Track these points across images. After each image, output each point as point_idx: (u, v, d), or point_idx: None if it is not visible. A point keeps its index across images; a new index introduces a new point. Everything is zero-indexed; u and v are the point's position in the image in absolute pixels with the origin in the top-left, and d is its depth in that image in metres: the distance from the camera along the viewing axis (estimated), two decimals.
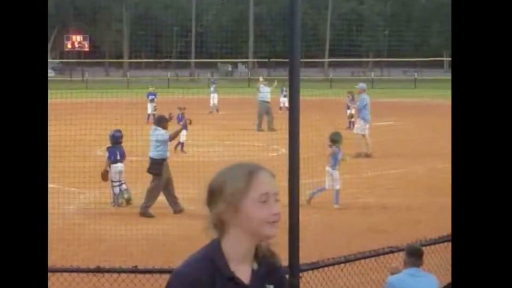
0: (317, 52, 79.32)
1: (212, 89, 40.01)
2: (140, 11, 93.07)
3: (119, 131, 15.40)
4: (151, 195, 14.28)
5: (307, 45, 62.41)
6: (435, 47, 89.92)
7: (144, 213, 14.08)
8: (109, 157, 14.99)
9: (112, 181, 14.90)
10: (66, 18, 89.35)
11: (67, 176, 15.50)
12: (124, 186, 14.99)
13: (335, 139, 15.37)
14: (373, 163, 19.97)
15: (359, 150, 21.94)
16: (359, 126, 23.02)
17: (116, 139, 15.16)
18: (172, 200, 14.54)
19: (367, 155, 21.76)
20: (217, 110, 38.33)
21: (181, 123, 21.86)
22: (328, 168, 15.19)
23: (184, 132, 21.15)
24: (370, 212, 14.62)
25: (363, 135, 22.72)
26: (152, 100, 33.32)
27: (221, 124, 23.70)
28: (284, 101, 35.90)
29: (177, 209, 14.38)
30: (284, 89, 37.35)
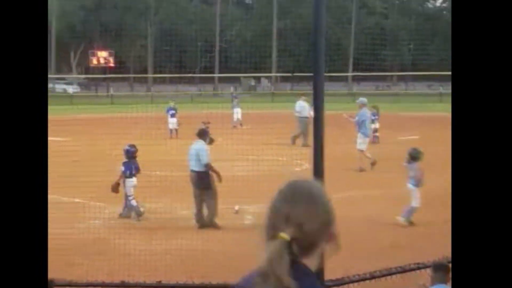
0: (341, 66, 79.18)
1: (235, 103, 40.05)
2: (164, 26, 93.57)
3: (134, 146, 15.55)
4: (213, 206, 14.46)
5: (331, 59, 62.34)
6: None
7: (213, 224, 14.32)
8: (124, 172, 15.12)
9: (127, 195, 15.03)
10: (92, 34, 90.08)
11: (92, 191, 15.58)
12: (134, 202, 15.18)
13: (415, 156, 15.13)
14: (397, 177, 19.80)
15: (361, 165, 21.86)
16: (361, 141, 22.88)
17: (130, 154, 15.33)
18: (199, 212, 14.64)
19: (362, 169, 21.67)
20: (241, 125, 38.34)
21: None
22: (409, 185, 14.97)
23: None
24: (395, 227, 14.51)
25: (362, 151, 22.62)
26: (173, 115, 33.37)
27: (245, 138, 23.61)
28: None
29: (201, 223, 14.44)
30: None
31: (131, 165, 15.24)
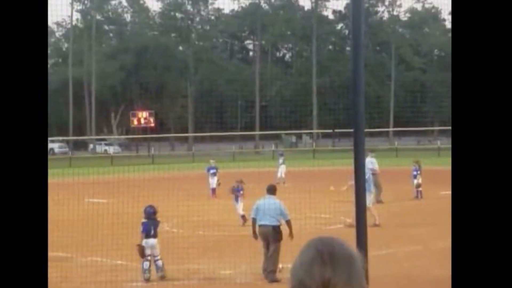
0: (382, 122, 79.15)
1: (280, 160, 40.11)
2: (204, 85, 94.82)
3: (152, 206, 15.50)
4: (277, 259, 14.73)
5: (371, 115, 62.35)
6: None
7: (275, 279, 14.52)
8: (142, 231, 15.11)
9: (154, 255, 14.93)
10: (132, 95, 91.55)
11: (135, 253, 15.60)
12: (159, 263, 14.91)
13: None
14: (440, 232, 19.51)
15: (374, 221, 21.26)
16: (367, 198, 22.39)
17: (148, 215, 15.29)
18: (275, 264, 14.90)
19: (376, 225, 21.06)
20: (284, 183, 38.27)
21: (238, 193, 22.31)
22: None
23: (238, 204, 21.57)
24: (440, 285, 14.23)
25: (368, 207, 22.01)
26: (214, 174, 33.24)
27: (287, 196, 23.57)
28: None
29: (273, 277, 14.63)
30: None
31: (150, 225, 15.17)
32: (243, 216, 22.25)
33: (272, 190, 15.78)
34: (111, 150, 79.97)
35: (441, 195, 29.82)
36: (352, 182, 6.19)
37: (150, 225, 15.17)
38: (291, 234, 14.78)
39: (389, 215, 17.94)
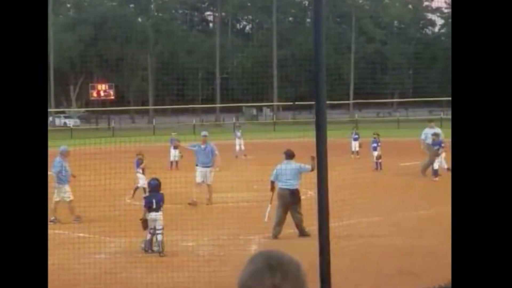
0: (342, 93, 79.40)
1: (238, 134, 40.11)
2: (164, 58, 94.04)
3: (156, 179, 15.34)
4: (301, 218, 15.89)
5: (331, 87, 62.56)
6: None
7: (304, 232, 15.69)
8: (145, 205, 14.97)
9: (156, 228, 14.75)
10: (91, 67, 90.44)
11: (97, 226, 15.57)
12: (160, 237, 14.74)
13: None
14: (401, 204, 19.83)
15: None
16: None
17: (152, 188, 15.14)
18: (281, 225, 16.00)
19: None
20: (245, 155, 38.36)
21: (138, 169, 22.25)
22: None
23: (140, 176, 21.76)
24: (400, 254, 14.48)
25: None
26: (175, 147, 33.21)
27: (248, 168, 23.72)
28: (355, 145, 35.89)
29: (304, 232, 15.75)
30: (354, 131, 37.27)
31: (152, 198, 14.99)
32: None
33: (290, 155, 16.61)
34: (70, 123, 79.22)
35: (401, 167, 30.23)
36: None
37: (152, 199, 14.98)
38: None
39: (350, 187, 18.06)
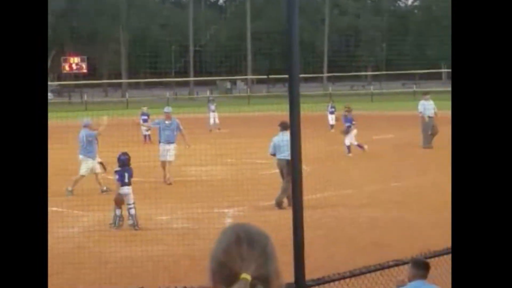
0: (316, 67, 79.46)
1: (212, 107, 40.05)
2: (137, 31, 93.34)
3: (126, 154, 15.35)
4: (286, 191, 15.89)
5: (305, 60, 62.58)
6: (433, 58, 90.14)
7: (279, 204, 16.26)
8: (118, 180, 14.96)
9: (128, 203, 14.79)
10: (63, 40, 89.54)
11: (69, 200, 15.50)
12: (132, 211, 14.79)
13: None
14: (374, 177, 19.98)
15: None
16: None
17: (123, 162, 15.14)
18: (284, 193, 16.25)
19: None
20: (219, 129, 38.36)
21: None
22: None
23: None
24: (373, 226, 14.61)
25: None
26: (145, 121, 33.16)
27: (222, 142, 23.69)
28: (332, 118, 35.90)
29: (280, 204, 16.18)
30: (330, 104, 37.28)
31: (123, 172, 15.04)
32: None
33: (285, 127, 16.58)
34: None
35: (374, 140, 30.38)
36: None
37: (125, 173, 15.03)
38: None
39: (322, 160, 18.23)
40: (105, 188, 18.74)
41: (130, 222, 14.74)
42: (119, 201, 14.76)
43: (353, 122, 26.56)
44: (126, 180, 14.94)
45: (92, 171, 18.99)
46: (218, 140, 27.50)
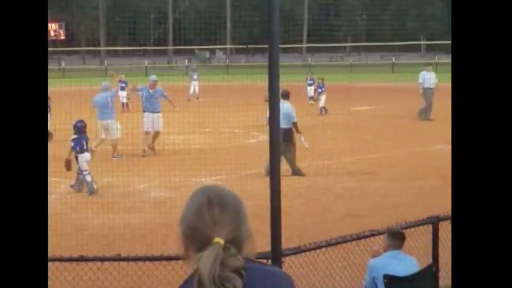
0: (295, 37, 79.15)
1: (194, 76, 39.99)
2: None
3: (82, 121, 15.45)
4: (293, 159, 16.64)
5: (285, 30, 62.35)
6: (412, 30, 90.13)
7: (297, 171, 16.57)
8: (74, 147, 15.05)
9: (81, 170, 14.97)
10: None
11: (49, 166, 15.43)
12: (89, 177, 15.04)
13: None
14: (351, 148, 20.05)
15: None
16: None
17: (79, 129, 15.23)
18: (292, 163, 16.66)
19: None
20: (197, 98, 38.30)
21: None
22: None
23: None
24: (349, 196, 14.72)
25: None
26: (123, 88, 32.98)
27: (201, 111, 23.67)
28: (311, 90, 35.90)
29: (297, 172, 16.59)
30: (309, 77, 37.21)
31: (81, 140, 15.16)
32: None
33: (284, 95, 16.82)
34: None
35: (353, 111, 30.50)
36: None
37: (82, 140, 15.15)
38: (297, 131, 17.07)
39: (302, 130, 18.18)
40: (117, 154, 19.24)
41: (90, 187, 14.95)
42: (69, 166, 15.06)
43: (323, 89, 31.07)
44: (85, 147, 15.12)
45: (112, 135, 19.27)
46: (196, 109, 27.48)
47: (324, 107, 30.92)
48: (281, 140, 16.36)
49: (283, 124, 16.66)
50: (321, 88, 32.00)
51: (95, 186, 14.96)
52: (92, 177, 15.02)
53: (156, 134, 20.47)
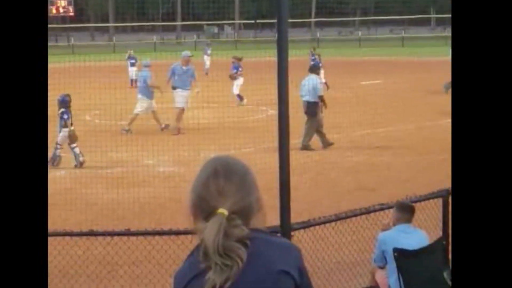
0: (304, 12, 78.73)
1: (208, 51, 40.21)
2: None
3: (68, 95, 15.49)
4: (310, 132, 16.76)
5: (293, 4, 62.00)
6: (422, 4, 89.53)
7: (306, 147, 16.50)
8: (68, 118, 15.17)
9: (57, 143, 15.15)
10: None
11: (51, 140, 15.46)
12: (77, 150, 15.26)
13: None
14: (360, 122, 20.00)
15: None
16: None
17: (66, 103, 15.29)
18: (322, 137, 16.93)
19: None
20: (206, 74, 38.22)
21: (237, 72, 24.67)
22: None
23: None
24: (358, 170, 14.71)
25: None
26: (133, 64, 32.96)
27: (211, 86, 23.52)
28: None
29: (327, 144, 16.83)
30: (311, 52, 36.83)
31: (68, 114, 15.23)
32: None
33: (312, 69, 17.77)
34: None
35: (362, 85, 30.37)
36: None
37: (69, 114, 15.26)
38: (324, 105, 17.11)
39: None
40: (163, 125, 19.58)
41: (81, 159, 15.13)
42: (75, 136, 15.24)
43: (240, 69, 26.38)
44: (70, 121, 15.31)
45: (147, 110, 19.58)
46: (206, 82, 27.39)
47: (325, 82, 30.12)
48: (304, 113, 16.53)
49: (309, 98, 16.91)
50: (236, 68, 27.85)
51: (81, 159, 15.05)
52: (80, 150, 15.15)
53: (182, 112, 19.67)
